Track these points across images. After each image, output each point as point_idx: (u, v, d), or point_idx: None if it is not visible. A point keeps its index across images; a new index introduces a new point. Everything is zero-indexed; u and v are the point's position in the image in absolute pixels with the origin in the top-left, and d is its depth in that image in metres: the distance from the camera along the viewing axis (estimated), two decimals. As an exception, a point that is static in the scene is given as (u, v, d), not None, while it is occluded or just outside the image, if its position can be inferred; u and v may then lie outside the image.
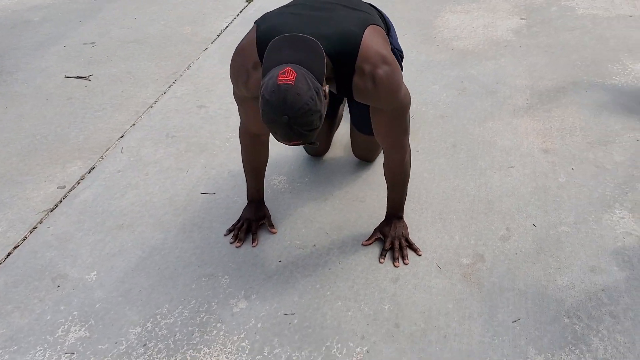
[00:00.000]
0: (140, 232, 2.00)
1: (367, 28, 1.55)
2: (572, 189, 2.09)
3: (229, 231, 1.97)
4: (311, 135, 1.40)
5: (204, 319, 1.66)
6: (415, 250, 1.86)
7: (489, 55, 3.08)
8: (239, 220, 1.98)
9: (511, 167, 2.22)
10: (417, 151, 2.31)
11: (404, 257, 1.82)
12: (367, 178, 2.20)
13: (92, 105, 2.79)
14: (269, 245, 1.91)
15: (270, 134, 1.43)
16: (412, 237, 1.90)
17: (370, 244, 1.89)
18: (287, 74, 1.34)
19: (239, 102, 1.75)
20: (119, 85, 2.96)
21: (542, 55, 3.06)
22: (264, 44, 1.53)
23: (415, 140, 2.38)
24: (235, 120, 2.60)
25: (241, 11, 3.80)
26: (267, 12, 1.66)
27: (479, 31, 3.37)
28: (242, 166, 2.27)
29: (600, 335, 1.56)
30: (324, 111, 1.40)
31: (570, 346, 1.54)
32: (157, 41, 3.43)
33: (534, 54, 3.08)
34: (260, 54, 1.55)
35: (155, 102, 2.79)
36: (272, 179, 2.21)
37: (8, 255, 1.93)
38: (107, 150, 2.45)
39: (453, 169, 2.22)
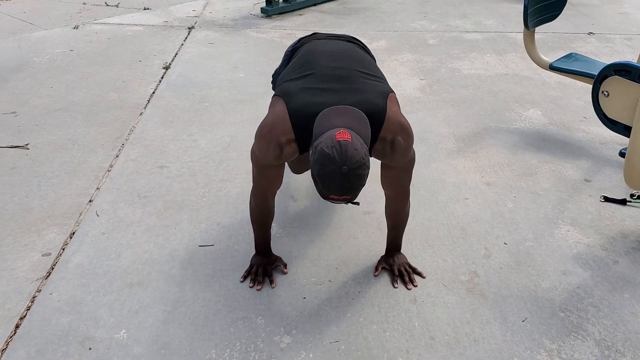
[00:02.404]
0: (154, 287, 1.99)
1: (388, 98, 1.77)
2: (521, 212, 2.48)
3: (244, 277, 2.04)
4: (359, 191, 1.58)
5: (256, 357, 1.72)
6: (419, 274, 2.09)
7: (408, 110, 3.50)
8: (251, 267, 2.06)
9: (466, 198, 2.57)
10: (385, 192, 2.57)
11: (412, 281, 2.04)
12: (351, 217, 2.40)
13: (43, 173, 2.69)
14: (288, 286, 2.02)
15: (320, 190, 1.58)
16: (413, 263, 2.13)
17: (378, 274, 2.08)
18: (342, 134, 1.54)
19: (260, 169, 1.84)
20: (64, 152, 2.88)
21: (450, 108, 3.54)
22: (299, 120, 1.70)
23: (378, 183, 2.64)
24: (202, 177, 2.67)
25: (162, 77, 3.88)
26: (285, 86, 1.79)
27: (391, 90, 3.79)
28: (232, 217, 2.37)
29: (591, 322, 1.90)
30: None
31: (574, 333, 1.85)
32: (86, 108, 3.38)
33: (443, 107, 3.56)
34: (296, 130, 1.70)
35: (112, 166, 2.76)
36: (264, 226, 2.32)
37: (17, 327, 1.81)
38: (80, 215, 2.38)
39: (421, 204, 2.51)
